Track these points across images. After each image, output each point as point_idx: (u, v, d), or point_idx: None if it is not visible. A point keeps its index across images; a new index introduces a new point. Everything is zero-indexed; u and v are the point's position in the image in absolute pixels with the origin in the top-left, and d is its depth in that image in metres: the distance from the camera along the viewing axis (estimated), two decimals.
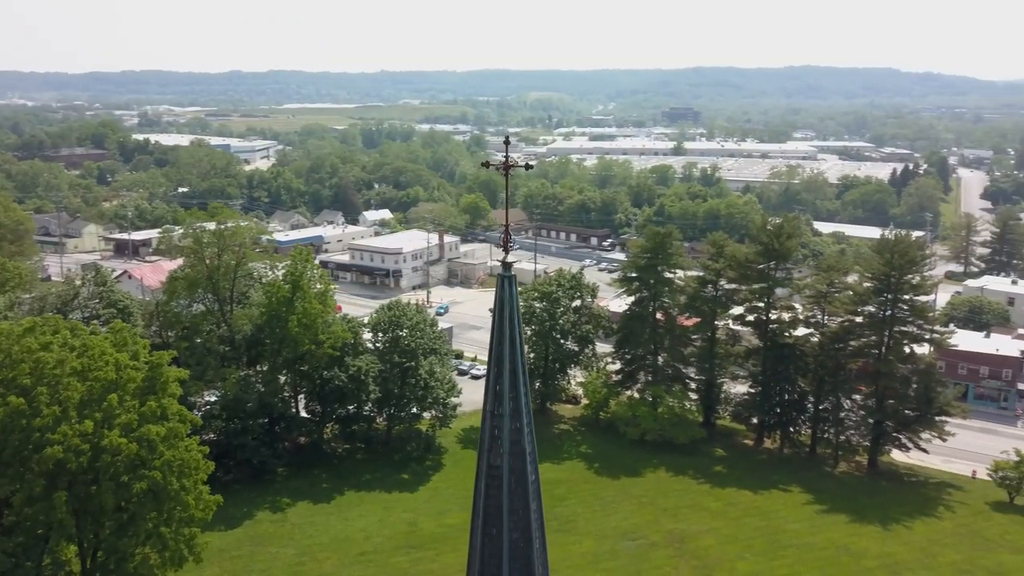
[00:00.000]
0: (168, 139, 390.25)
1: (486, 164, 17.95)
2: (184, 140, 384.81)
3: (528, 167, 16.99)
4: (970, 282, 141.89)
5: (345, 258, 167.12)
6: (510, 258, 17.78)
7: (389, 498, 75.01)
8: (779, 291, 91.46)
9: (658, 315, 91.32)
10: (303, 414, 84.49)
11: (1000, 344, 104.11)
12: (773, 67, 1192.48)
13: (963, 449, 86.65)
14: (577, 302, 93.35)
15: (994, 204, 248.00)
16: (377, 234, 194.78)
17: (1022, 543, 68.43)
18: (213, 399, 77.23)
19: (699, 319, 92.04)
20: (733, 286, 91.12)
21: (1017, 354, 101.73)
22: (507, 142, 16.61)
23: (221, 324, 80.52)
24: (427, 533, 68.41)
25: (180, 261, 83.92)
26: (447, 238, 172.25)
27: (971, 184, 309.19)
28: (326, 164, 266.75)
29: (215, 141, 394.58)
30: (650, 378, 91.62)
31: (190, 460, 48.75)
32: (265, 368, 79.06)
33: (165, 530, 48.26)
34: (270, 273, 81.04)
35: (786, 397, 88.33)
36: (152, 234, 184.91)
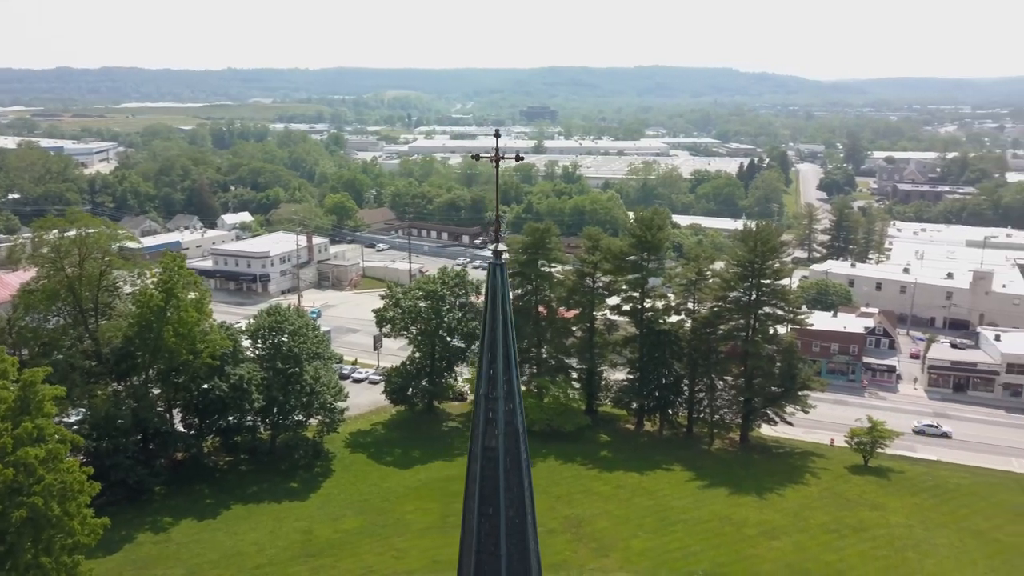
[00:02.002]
0: None
1: (476, 157, 18.07)
2: (10, 142, 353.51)
3: (519, 158, 17.15)
4: (815, 267, 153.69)
5: (207, 264, 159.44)
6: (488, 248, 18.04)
7: (280, 508, 72.70)
8: (652, 281, 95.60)
9: (540, 308, 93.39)
10: (179, 428, 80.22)
11: (847, 322, 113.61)
12: (624, 67, 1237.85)
13: (821, 420, 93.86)
14: (462, 299, 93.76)
15: (829, 195, 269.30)
16: (239, 238, 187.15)
17: (878, 500, 75.28)
18: (75, 419, 72.08)
19: (579, 311, 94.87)
20: (609, 278, 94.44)
21: (862, 331, 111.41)
22: (497, 135, 16.87)
23: (85, 337, 75.11)
24: (324, 540, 66.91)
25: (29, 272, 77.53)
26: (316, 239, 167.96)
27: (808, 176, 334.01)
28: (176, 166, 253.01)
29: (45, 143, 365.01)
30: (535, 370, 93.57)
31: (72, 483, 45.39)
32: (138, 382, 74.48)
33: (46, 560, 44.72)
34: (139, 281, 76.27)
35: (663, 381, 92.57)
36: None
